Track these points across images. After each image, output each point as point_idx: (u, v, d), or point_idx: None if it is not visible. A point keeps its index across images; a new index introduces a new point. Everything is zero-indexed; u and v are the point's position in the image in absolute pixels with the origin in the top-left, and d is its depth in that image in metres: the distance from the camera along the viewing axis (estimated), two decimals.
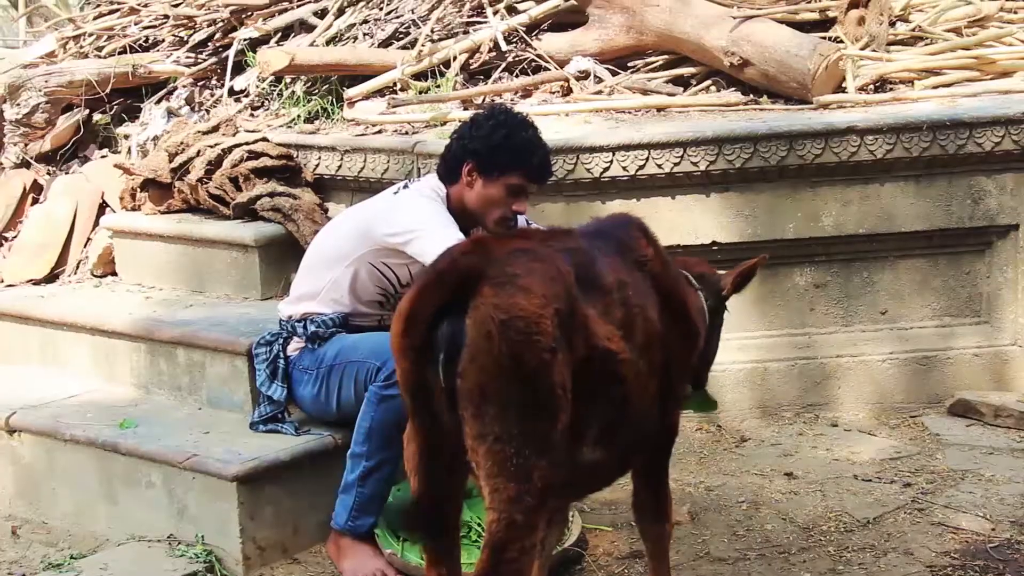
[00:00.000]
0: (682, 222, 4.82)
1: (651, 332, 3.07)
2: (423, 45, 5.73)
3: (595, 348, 2.85)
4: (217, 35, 6.72)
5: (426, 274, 2.79)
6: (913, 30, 5.88)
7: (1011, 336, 4.98)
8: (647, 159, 4.74)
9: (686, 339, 3.31)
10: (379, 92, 5.74)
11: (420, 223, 3.76)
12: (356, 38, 6.14)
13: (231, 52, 6.40)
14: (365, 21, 6.21)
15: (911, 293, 4.96)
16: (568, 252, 2.94)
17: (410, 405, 2.75)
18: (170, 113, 6.19)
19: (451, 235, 3.64)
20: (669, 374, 3.21)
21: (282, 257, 5.02)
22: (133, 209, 5.56)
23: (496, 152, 3.77)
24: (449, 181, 3.89)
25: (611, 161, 4.75)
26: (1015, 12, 6.40)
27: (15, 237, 5.92)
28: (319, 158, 5.31)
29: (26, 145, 6.27)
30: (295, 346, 4.09)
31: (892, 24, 5.76)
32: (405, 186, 4.01)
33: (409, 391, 2.73)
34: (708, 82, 5.59)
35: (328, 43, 6.13)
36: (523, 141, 3.80)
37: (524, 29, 5.89)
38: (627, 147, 4.75)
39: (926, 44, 5.80)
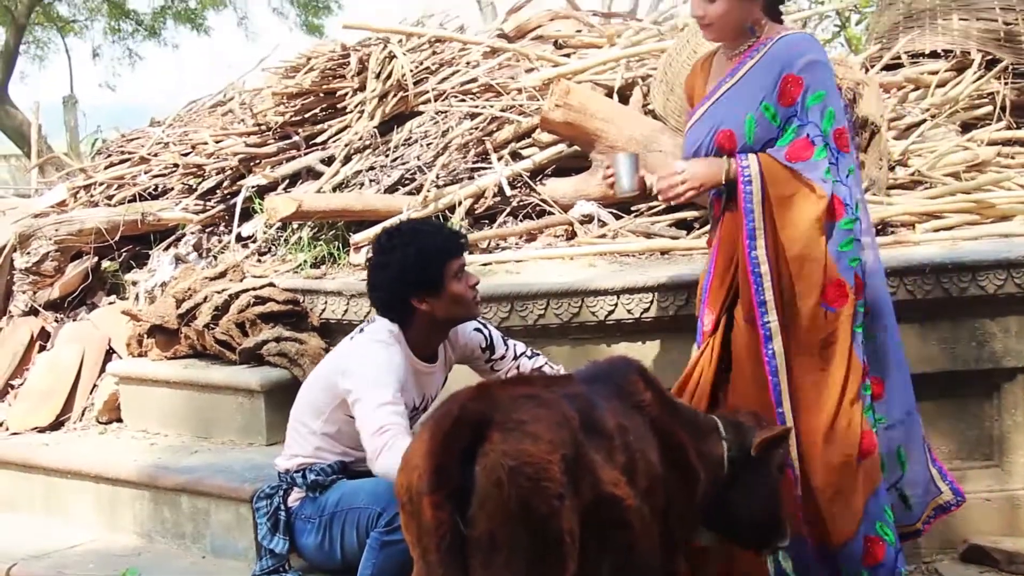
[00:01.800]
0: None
1: (652, 476, 3.06)
2: (428, 191, 5.80)
3: (601, 494, 2.83)
4: (225, 183, 6.82)
5: (439, 422, 2.78)
6: (912, 175, 5.97)
7: (1022, 480, 4.91)
8: (652, 302, 4.75)
9: (685, 483, 3.29)
10: None
11: (363, 384, 3.74)
12: (362, 184, 6.22)
13: (239, 199, 6.48)
14: (371, 168, 6.30)
15: None
16: (571, 397, 2.94)
17: (444, 558, 2.69)
18: (178, 259, 6.25)
19: (385, 404, 3.64)
20: (669, 518, 3.19)
21: (288, 402, 4.95)
22: (140, 355, 5.57)
23: (424, 269, 3.81)
24: (407, 324, 3.91)
25: (616, 304, 4.76)
26: (1012, 157, 6.51)
27: (21, 384, 5.93)
28: (325, 303, 5.33)
29: (35, 293, 6.31)
30: (296, 496, 4.05)
31: (892, 169, 5.84)
32: (360, 330, 4.01)
33: (444, 543, 2.67)
34: (709, 226, 5.63)
35: (335, 189, 6.21)
36: (430, 239, 3.87)
37: (528, 174, 5.97)
38: (632, 290, 4.76)
39: (926, 188, 5.87)
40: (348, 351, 3.95)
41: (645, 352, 4.67)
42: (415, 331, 3.92)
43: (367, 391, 3.70)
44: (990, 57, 7.56)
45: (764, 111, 3.78)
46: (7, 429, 5.65)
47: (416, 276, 3.81)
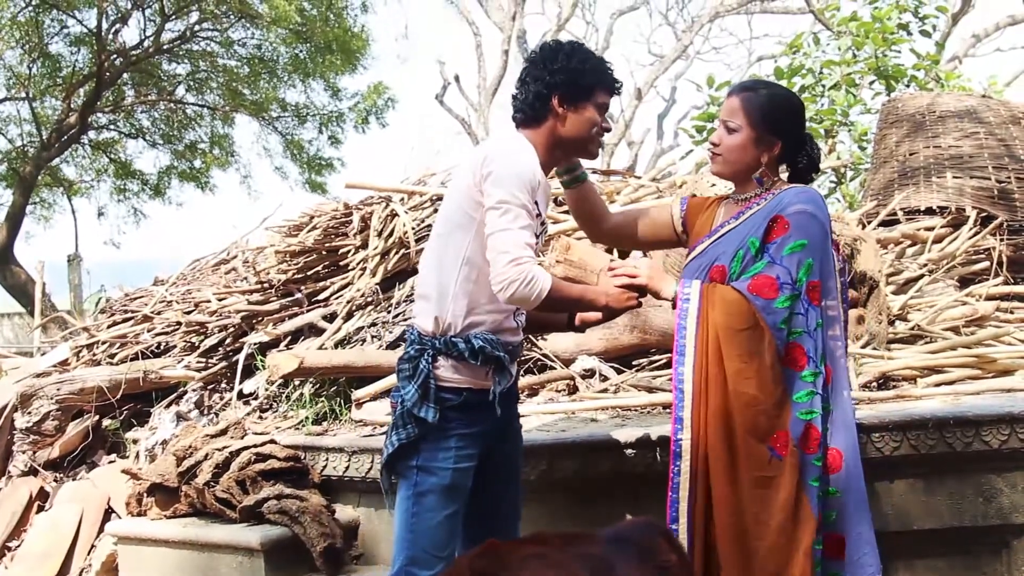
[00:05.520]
0: None
1: None
2: None
3: None
4: (228, 340, 6.85)
5: None
6: (912, 329, 6.00)
7: None
8: (655, 457, 4.74)
9: None
10: (387, 392, 5.78)
11: (507, 181, 3.53)
12: (364, 340, 6.24)
13: (241, 356, 6.50)
14: (373, 324, 6.33)
15: None
16: (586, 558, 2.90)
17: None
18: (179, 417, 6.24)
19: (526, 227, 3.51)
20: None
21: (288, 560, 4.95)
22: (139, 514, 5.52)
23: (581, 75, 3.73)
24: (536, 124, 3.77)
25: (620, 459, 4.74)
26: (1011, 312, 6.56)
27: (18, 546, 5.86)
28: (327, 459, 5.31)
29: (35, 452, 6.29)
30: (444, 365, 3.71)
31: (891, 323, 5.87)
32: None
33: None
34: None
35: (337, 346, 6.23)
36: (598, 61, 3.79)
37: None
38: (634, 445, 4.75)
39: (926, 342, 5.90)
40: (481, 149, 3.70)
41: (647, 508, 4.62)
42: (538, 136, 3.77)
43: (512, 191, 3.52)
44: (984, 214, 7.69)
45: (750, 246, 3.83)
46: None
47: (568, 77, 3.72)
